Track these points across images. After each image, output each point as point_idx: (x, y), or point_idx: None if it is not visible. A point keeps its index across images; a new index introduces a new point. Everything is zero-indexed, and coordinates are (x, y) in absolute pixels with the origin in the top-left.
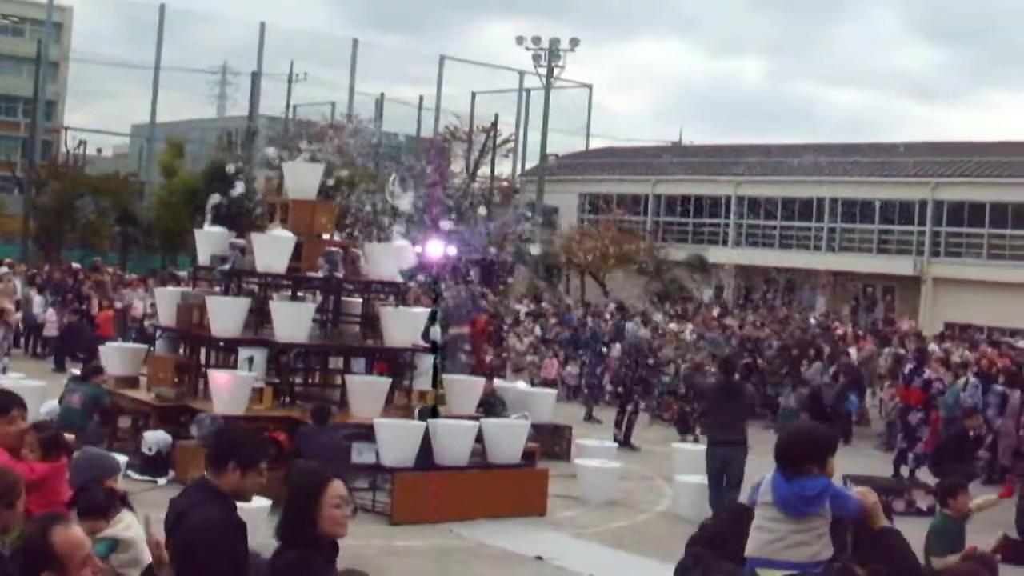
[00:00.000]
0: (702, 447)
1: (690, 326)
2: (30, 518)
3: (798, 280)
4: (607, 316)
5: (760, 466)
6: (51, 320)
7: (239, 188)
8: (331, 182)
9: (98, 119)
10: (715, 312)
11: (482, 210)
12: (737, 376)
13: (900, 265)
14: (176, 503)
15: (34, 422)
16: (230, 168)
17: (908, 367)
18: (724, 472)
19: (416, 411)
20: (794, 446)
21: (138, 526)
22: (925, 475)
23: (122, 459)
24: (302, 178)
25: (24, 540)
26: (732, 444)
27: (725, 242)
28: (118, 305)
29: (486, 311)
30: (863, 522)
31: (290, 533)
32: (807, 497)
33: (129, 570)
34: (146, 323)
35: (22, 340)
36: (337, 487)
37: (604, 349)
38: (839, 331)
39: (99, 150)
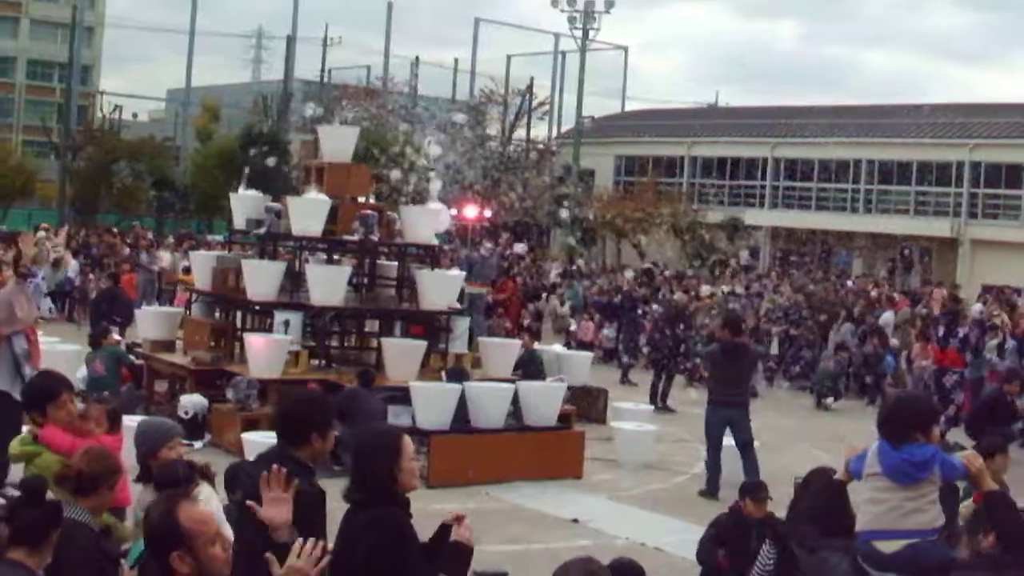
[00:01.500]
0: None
1: (724, 288)
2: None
3: (835, 242)
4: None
5: (803, 430)
6: (89, 286)
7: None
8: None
9: (133, 84)
10: (748, 276)
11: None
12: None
13: (937, 227)
14: (252, 474)
15: (96, 396)
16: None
17: (941, 329)
18: (723, 433)
19: (443, 374)
20: (899, 415)
21: (216, 498)
22: (957, 436)
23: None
24: (338, 141)
25: (149, 521)
26: (735, 404)
27: (761, 204)
28: (154, 268)
29: (515, 275)
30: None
31: (370, 492)
32: (916, 463)
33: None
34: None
35: (57, 303)
36: (408, 442)
37: (640, 312)
38: (873, 293)
39: (135, 115)
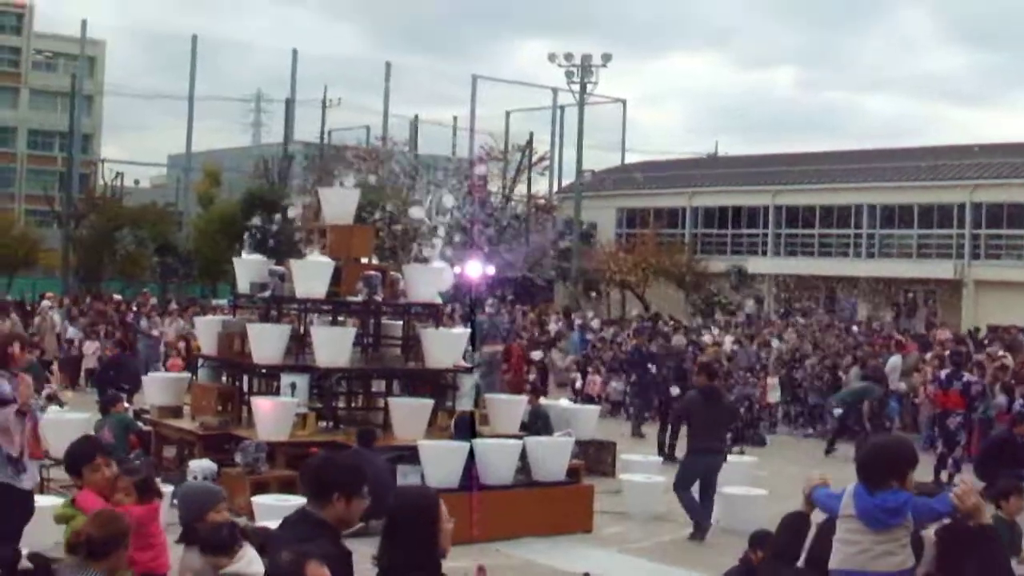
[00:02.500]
0: (748, 459)
1: (730, 338)
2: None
3: (839, 287)
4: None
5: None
6: (89, 352)
7: (279, 219)
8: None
9: (134, 151)
10: (749, 327)
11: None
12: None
13: (941, 269)
14: (282, 538)
15: (125, 466)
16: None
17: (944, 372)
18: (695, 480)
19: (452, 424)
20: (876, 462)
21: (259, 560)
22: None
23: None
24: (339, 203)
25: (277, 568)
26: (715, 452)
27: (764, 252)
28: (155, 333)
29: (519, 336)
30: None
31: (409, 557)
32: (889, 509)
33: None
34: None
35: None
36: (443, 504)
37: (651, 366)
38: (882, 336)
39: (136, 181)
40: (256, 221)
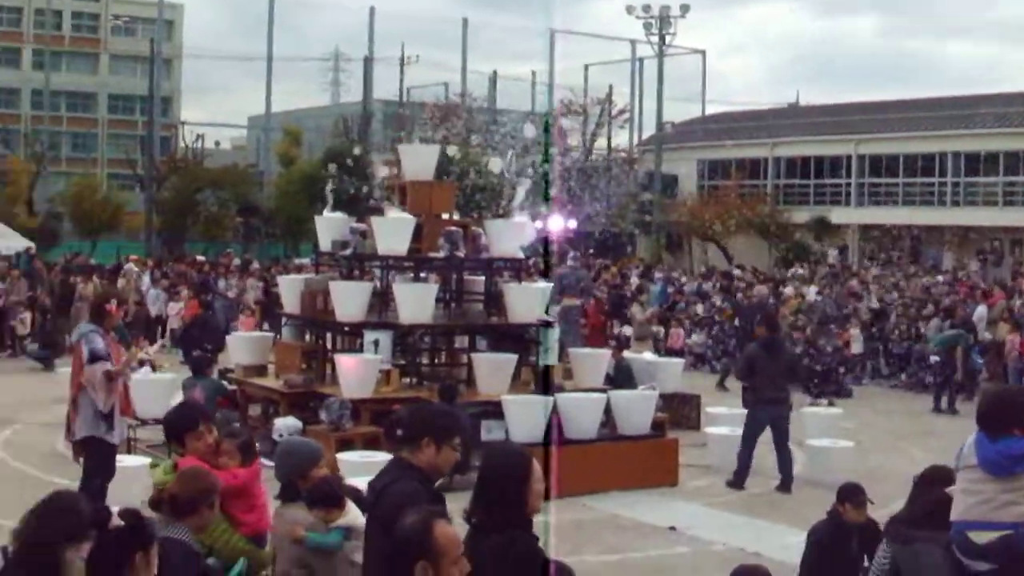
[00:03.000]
0: (834, 411)
1: (814, 288)
2: (404, 512)
3: (923, 237)
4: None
5: (897, 428)
6: (172, 313)
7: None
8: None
9: (214, 113)
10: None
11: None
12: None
13: None
14: (374, 483)
15: (227, 429)
16: (355, 151)
17: None
18: (762, 431)
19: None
20: (996, 410)
21: (362, 516)
22: None
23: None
24: (419, 159)
25: (404, 530)
26: (776, 403)
27: (847, 202)
28: (230, 294)
29: (594, 295)
30: None
31: (499, 516)
32: (1013, 456)
33: (358, 555)
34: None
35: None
36: (536, 464)
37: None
38: (966, 286)
39: (217, 143)
40: (332, 170)
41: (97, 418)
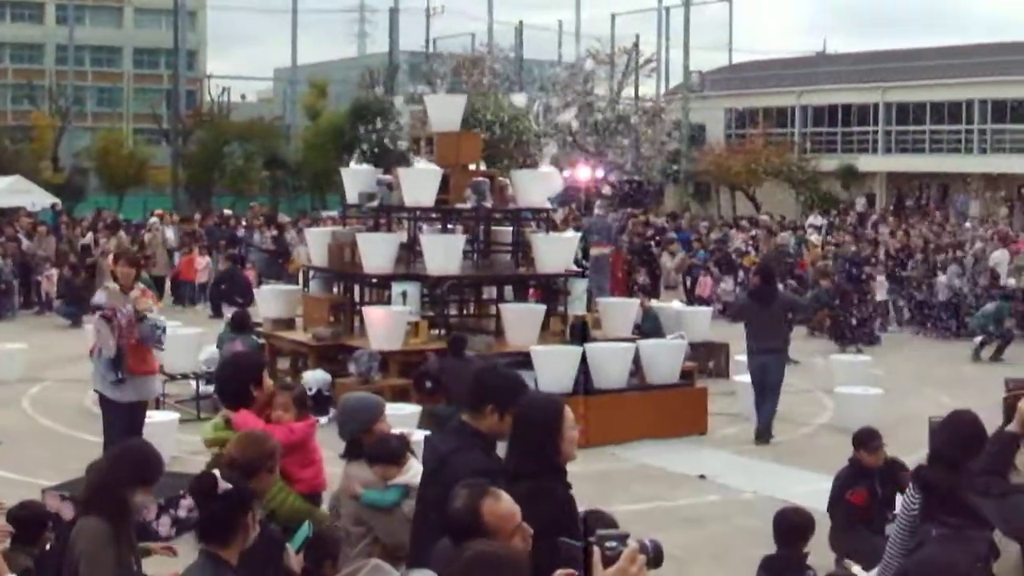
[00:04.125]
0: (863, 358)
1: (843, 237)
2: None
3: (951, 185)
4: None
5: (924, 374)
6: (201, 267)
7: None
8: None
9: (240, 65)
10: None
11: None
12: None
13: None
14: (437, 448)
15: (280, 383)
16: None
17: None
18: (759, 380)
19: (567, 331)
20: None
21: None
22: None
23: None
24: (445, 110)
25: (452, 512)
26: (768, 352)
27: (875, 150)
28: (264, 247)
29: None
30: None
31: (533, 464)
32: None
33: None
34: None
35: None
36: (569, 412)
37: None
38: (989, 232)
39: (243, 96)
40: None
41: (105, 371)
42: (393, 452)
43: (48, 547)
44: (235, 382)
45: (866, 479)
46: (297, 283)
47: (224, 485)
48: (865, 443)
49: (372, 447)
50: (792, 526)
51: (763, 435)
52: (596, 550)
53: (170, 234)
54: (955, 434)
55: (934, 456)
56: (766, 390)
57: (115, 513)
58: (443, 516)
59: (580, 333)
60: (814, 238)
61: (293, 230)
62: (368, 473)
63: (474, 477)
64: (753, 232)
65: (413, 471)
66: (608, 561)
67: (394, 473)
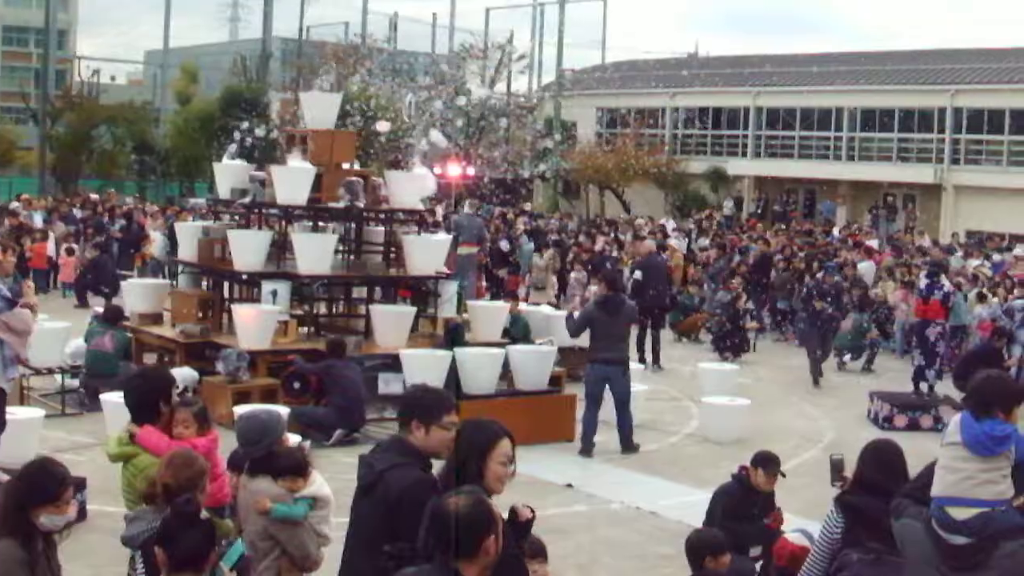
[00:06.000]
0: (730, 366)
1: (706, 241)
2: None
3: (818, 191)
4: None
5: (789, 384)
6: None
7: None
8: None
9: (111, 47)
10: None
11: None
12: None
13: (920, 173)
14: (373, 461)
15: (181, 398)
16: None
17: (924, 281)
18: (602, 391)
19: (442, 333)
20: (984, 391)
21: (325, 482)
22: (946, 389)
23: None
24: (320, 108)
25: (463, 513)
26: (612, 362)
27: (744, 154)
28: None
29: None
30: None
31: (455, 484)
32: (996, 437)
33: (323, 526)
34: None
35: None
36: (505, 445)
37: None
38: (856, 241)
39: (113, 78)
40: (244, 126)
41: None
42: (299, 464)
43: None
44: (144, 397)
45: (750, 500)
46: (146, 274)
47: (205, 515)
48: (765, 465)
49: (278, 461)
50: (704, 545)
51: (628, 447)
52: None
53: (37, 219)
54: (882, 461)
55: (860, 482)
56: (617, 405)
57: (26, 535)
58: (375, 531)
59: (453, 337)
60: (673, 242)
61: (148, 218)
62: (274, 487)
63: (415, 496)
64: (612, 235)
65: (318, 483)
66: None
67: (301, 485)
